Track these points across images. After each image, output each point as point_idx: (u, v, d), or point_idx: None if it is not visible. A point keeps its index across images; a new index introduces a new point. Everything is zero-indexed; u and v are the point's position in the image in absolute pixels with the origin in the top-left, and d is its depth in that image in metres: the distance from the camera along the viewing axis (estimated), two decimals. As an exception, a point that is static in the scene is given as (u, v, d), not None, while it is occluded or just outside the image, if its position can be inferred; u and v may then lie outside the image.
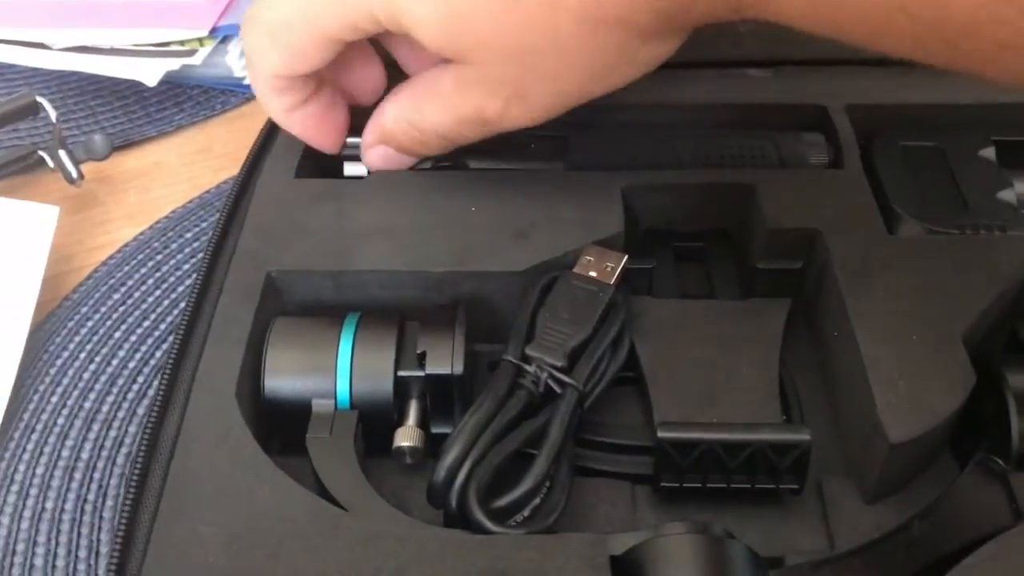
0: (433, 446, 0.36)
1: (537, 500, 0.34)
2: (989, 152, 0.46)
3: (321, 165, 0.46)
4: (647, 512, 0.37)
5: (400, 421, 0.37)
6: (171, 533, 0.32)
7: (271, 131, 0.47)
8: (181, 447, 0.34)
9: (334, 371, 0.37)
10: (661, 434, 0.35)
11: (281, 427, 0.37)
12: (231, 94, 0.61)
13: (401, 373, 0.37)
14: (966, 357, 0.36)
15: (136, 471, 0.33)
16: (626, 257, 0.40)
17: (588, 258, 0.40)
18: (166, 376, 0.36)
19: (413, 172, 0.44)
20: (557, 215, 0.42)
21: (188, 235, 0.52)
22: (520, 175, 0.44)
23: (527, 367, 0.36)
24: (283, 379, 0.37)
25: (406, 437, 0.36)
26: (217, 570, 0.31)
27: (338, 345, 0.37)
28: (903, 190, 0.44)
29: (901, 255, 0.40)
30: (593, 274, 0.39)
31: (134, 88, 0.60)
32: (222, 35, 0.60)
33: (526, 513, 0.34)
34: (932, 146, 0.46)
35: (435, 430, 0.38)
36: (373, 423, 0.37)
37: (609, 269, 0.39)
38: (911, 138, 0.47)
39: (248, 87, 0.61)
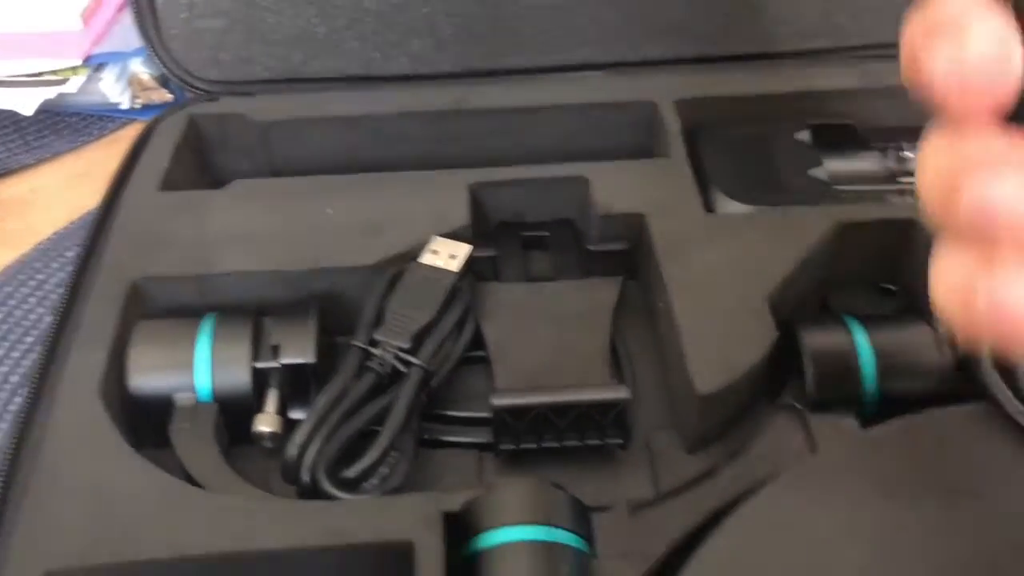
0: (292, 431, 0.39)
1: (385, 470, 0.37)
2: (804, 135, 0.51)
3: (185, 174, 0.49)
4: (491, 477, 0.40)
5: (260, 409, 0.40)
6: (36, 522, 0.34)
7: (138, 148, 0.50)
8: (48, 442, 0.36)
9: (193, 366, 0.39)
10: (496, 402, 0.38)
11: (149, 423, 0.40)
12: (108, 120, 0.63)
13: (258, 365, 0.40)
14: (769, 317, 0.40)
15: (4, 466, 0.35)
16: (470, 247, 0.43)
17: (434, 249, 0.43)
18: (34, 378, 0.39)
19: (271, 180, 0.47)
20: (407, 212, 0.45)
21: (69, 254, 0.54)
22: (371, 178, 0.47)
23: (374, 350, 0.39)
24: (146, 377, 0.39)
25: (265, 423, 0.39)
26: (78, 554, 0.33)
27: (196, 342, 0.40)
28: (723, 174, 0.48)
29: (716, 231, 0.44)
30: (439, 263, 0.43)
31: (11, 118, 0.61)
32: (96, 63, 0.62)
33: (375, 482, 0.37)
34: (753, 133, 0.51)
35: (294, 416, 0.40)
36: (235, 414, 0.40)
37: (453, 258, 0.43)
38: (735, 127, 0.51)
39: (124, 112, 0.63)
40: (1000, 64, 0.17)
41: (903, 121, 0.53)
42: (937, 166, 0.18)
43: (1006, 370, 0.37)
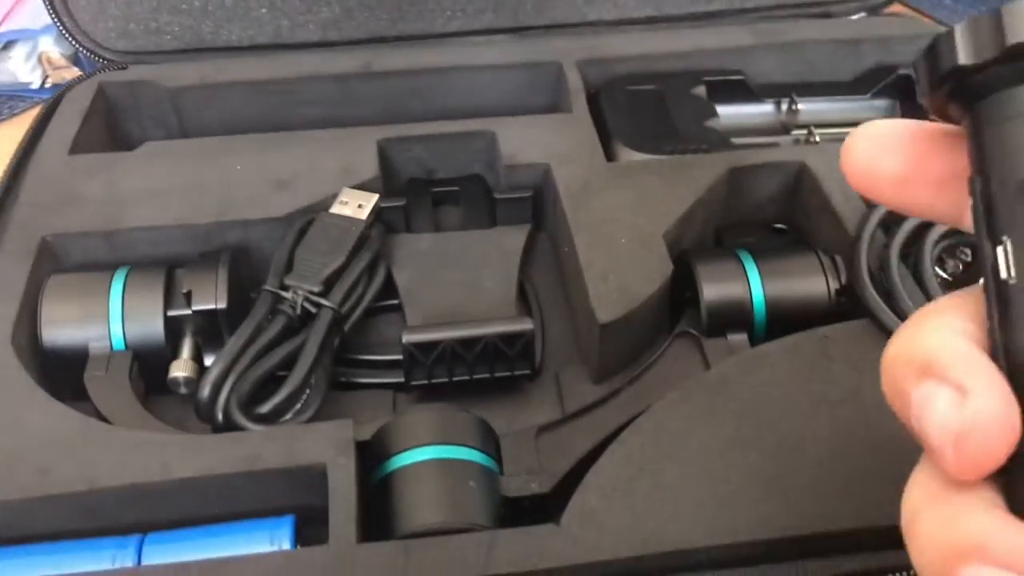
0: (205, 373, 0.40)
1: (298, 405, 0.38)
2: (700, 90, 0.53)
3: (95, 140, 0.49)
4: (405, 412, 0.41)
5: (175, 357, 0.41)
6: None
7: (47, 115, 0.50)
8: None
9: (107, 316, 0.40)
10: (405, 339, 0.40)
11: (65, 377, 0.40)
12: (18, 99, 0.63)
13: (170, 313, 0.40)
14: (664, 252, 0.42)
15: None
16: (378, 196, 0.45)
17: (343, 199, 0.44)
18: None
19: (182, 141, 0.48)
20: (317, 167, 0.46)
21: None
22: (281, 136, 0.48)
23: (285, 294, 0.40)
24: (59, 329, 0.40)
25: (179, 368, 0.40)
26: (-6, 491, 0.33)
27: (109, 292, 0.40)
28: (623, 127, 0.50)
29: (616, 177, 0.46)
30: (347, 212, 0.44)
31: (-82, 98, 0.61)
32: (4, 41, 0.62)
33: (288, 418, 0.38)
34: (652, 89, 0.53)
35: (209, 363, 0.41)
36: (151, 362, 0.40)
37: (362, 207, 0.44)
38: (635, 84, 0.53)
39: (35, 91, 0.63)
40: (1000, 428, 0.17)
41: (792, 76, 0.56)
42: (931, 535, 0.18)
43: (885, 290, 0.40)
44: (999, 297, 0.19)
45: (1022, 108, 0.19)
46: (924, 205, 0.21)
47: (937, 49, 0.19)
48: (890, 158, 0.21)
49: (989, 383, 0.17)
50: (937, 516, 0.18)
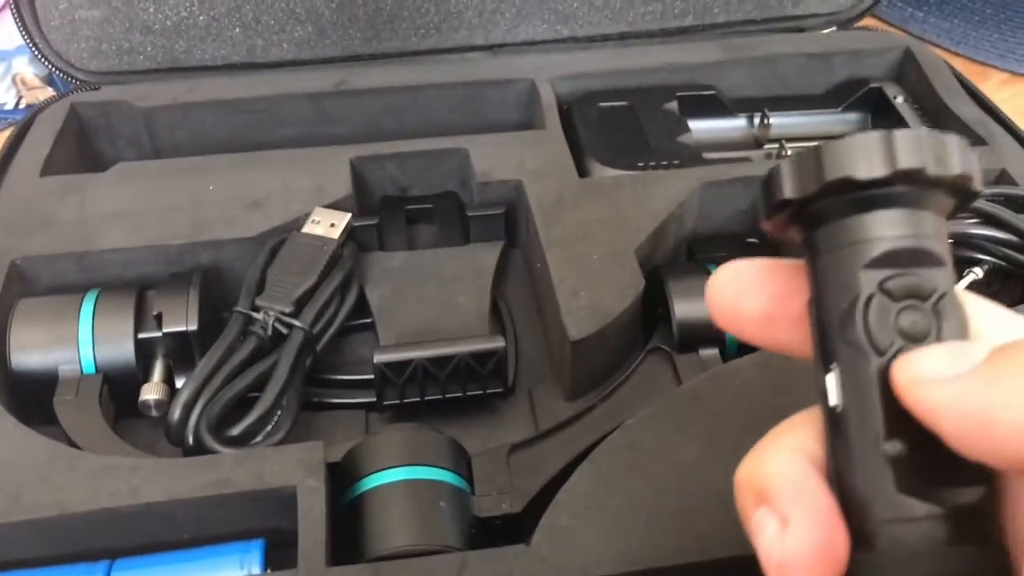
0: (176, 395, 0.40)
1: (268, 427, 0.38)
2: (672, 105, 0.53)
3: (68, 161, 0.49)
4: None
5: (146, 379, 0.40)
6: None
7: (18, 137, 0.50)
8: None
9: (76, 339, 0.40)
10: (377, 358, 0.40)
11: (35, 401, 0.40)
12: (-9, 119, 0.63)
13: (141, 335, 0.40)
14: (636, 268, 0.42)
15: None
16: (350, 215, 0.45)
17: (315, 219, 0.44)
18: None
19: (153, 161, 0.48)
20: (290, 185, 0.46)
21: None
22: (254, 156, 0.48)
23: (256, 315, 0.40)
24: (28, 353, 0.40)
25: (150, 391, 0.40)
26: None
27: (79, 315, 0.40)
28: (596, 143, 0.50)
29: (589, 193, 0.46)
30: (319, 232, 0.44)
31: None
32: (-25, 62, 0.62)
33: (259, 440, 0.38)
34: (624, 105, 0.53)
35: (180, 385, 0.41)
36: (122, 385, 0.40)
37: (334, 226, 0.44)
38: (608, 100, 0.54)
39: (9, 112, 0.63)
40: (818, 562, 0.18)
41: (764, 91, 0.56)
42: None
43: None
44: (830, 422, 0.19)
45: (845, 239, 0.19)
46: (784, 341, 0.21)
47: (769, 182, 0.20)
48: (753, 297, 0.21)
49: (810, 515, 0.18)
50: None
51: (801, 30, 0.59)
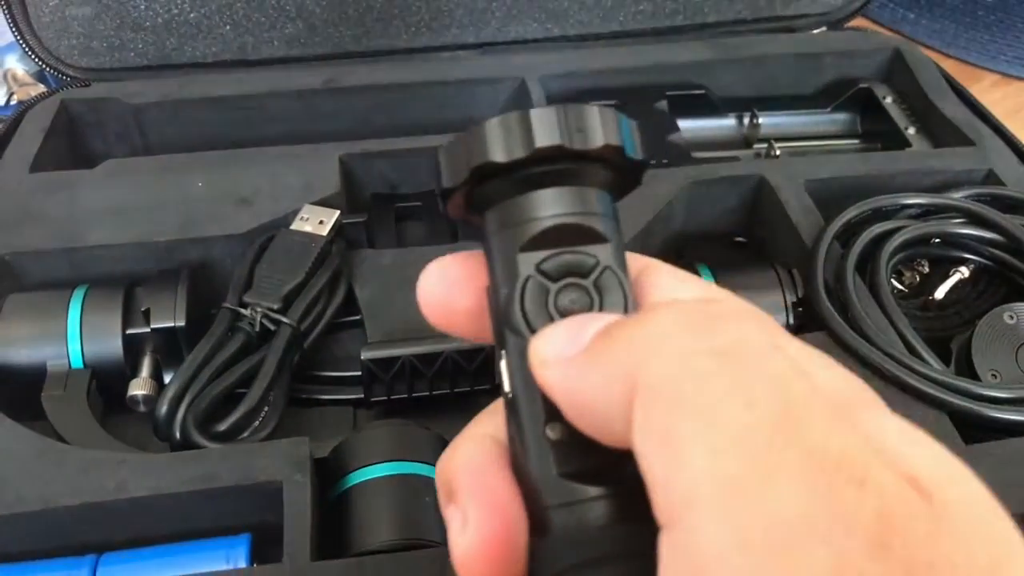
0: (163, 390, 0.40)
1: (256, 423, 0.38)
2: (662, 104, 0.54)
3: (57, 157, 0.49)
4: (365, 428, 0.41)
5: (134, 375, 0.40)
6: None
7: (7, 133, 0.50)
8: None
9: (65, 334, 0.40)
10: (364, 355, 0.40)
11: (23, 397, 0.40)
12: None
13: (129, 331, 0.40)
14: (625, 265, 0.42)
15: None
16: (339, 212, 0.45)
17: (304, 216, 0.44)
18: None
19: (143, 158, 0.48)
20: (279, 182, 0.46)
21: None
22: (244, 152, 0.48)
23: (244, 311, 0.40)
24: (17, 348, 0.40)
25: (138, 386, 0.40)
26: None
27: (67, 310, 0.40)
28: (586, 140, 0.50)
29: (577, 191, 0.46)
30: (308, 229, 0.44)
31: None
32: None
33: (246, 435, 0.38)
34: (614, 104, 0.53)
35: (168, 380, 0.41)
36: (110, 381, 0.40)
37: (323, 223, 0.44)
38: (598, 99, 0.54)
39: (1, 108, 0.63)
40: (493, 557, 0.18)
41: (754, 90, 0.56)
42: None
43: (841, 302, 0.41)
44: (506, 409, 0.19)
45: (505, 222, 0.19)
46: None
47: (435, 170, 0.20)
48: (463, 292, 0.20)
49: (485, 509, 0.18)
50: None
51: (791, 30, 0.60)
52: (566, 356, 0.17)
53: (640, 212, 0.45)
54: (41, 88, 0.63)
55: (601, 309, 0.18)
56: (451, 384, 0.41)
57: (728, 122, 0.55)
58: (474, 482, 0.18)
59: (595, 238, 0.19)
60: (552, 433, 0.18)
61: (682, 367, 0.16)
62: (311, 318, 0.41)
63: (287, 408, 0.39)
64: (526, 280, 0.19)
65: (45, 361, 0.40)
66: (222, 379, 0.38)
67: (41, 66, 0.55)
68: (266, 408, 0.38)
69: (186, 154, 0.48)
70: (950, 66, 0.60)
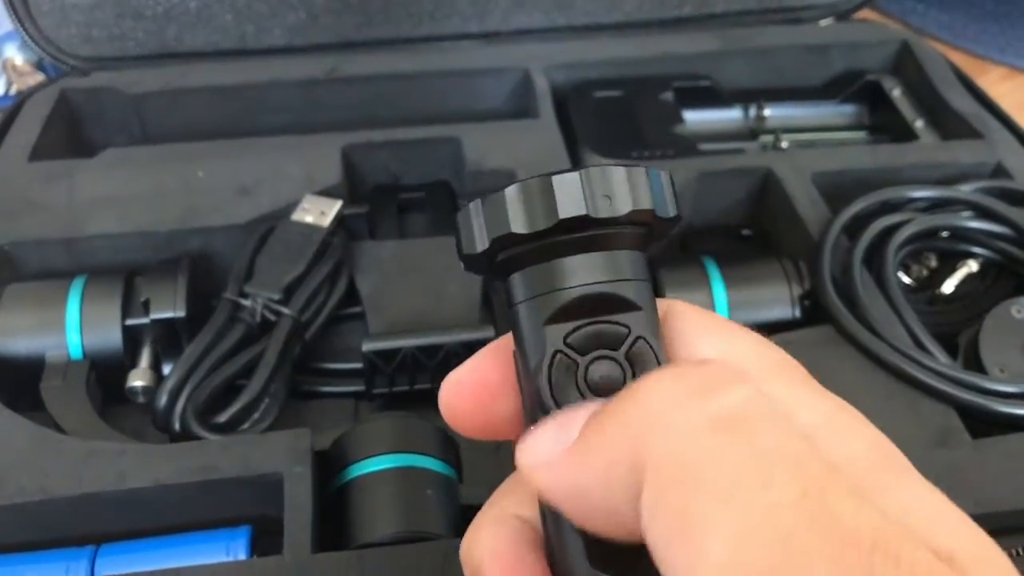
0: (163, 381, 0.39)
1: (256, 415, 0.38)
2: (668, 96, 0.53)
3: (57, 147, 0.48)
4: (367, 420, 0.41)
5: (134, 366, 0.40)
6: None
7: (6, 122, 0.49)
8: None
9: (64, 325, 0.39)
10: (365, 347, 0.39)
11: (22, 387, 0.40)
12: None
13: (129, 322, 0.40)
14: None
15: None
16: (340, 203, 0.44)
17: (305, 206, 0.44)
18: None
19: (143, 147, 0.47)
20: (279, 173, 0.46)
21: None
22: (245, 142, 0.48)
23: (244, 302, 0.40)
24: (15, 338, 0.39)
25: (137, 377, 0.39)
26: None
27: (67, 301, 0.40)
28: (591, 132, 0.50)
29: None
30: (309, 219, 0.43)
31: None
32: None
33: (246, 427, 0.37)
34: (620, 95, 0.53)
35: (168, 371, 0.41)
36: (110, 371, 0.40)
37: (324, 214, 0.44)
38: (603, 89, 0.53)
39: (1, 98, 0.62)
40: None
41: (761, 82, 0.56)
42: None
43: (848, 295, 0.40)
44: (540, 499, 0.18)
45: (529, 292, 0.18)
46: None
47: (456, 234, 0.19)
48: (494, 399, 0.20)
49: None
50: None
51: (799, 21, 0.59)
52: (555, 454, 0.16)
53: (645, 204, 0.44)
54: (40, 77, 0.63)
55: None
56: (453, 376, 0.40)
57: (735, 114, 0.54)
58: (504, 568, 0.18)
59: (626, 306, 0.18)
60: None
61: (690, 444, 0.15)
62: (312, 309, 0.41)
63: (288, 400, 0.39)
64: (554, 355, 0.18)
65: (44, 351, 0.39)
66: (222, 370, 0.38)
67: (41, 55, 0.54)
68: (266, 400, 0.38)
69: (186, 144, 0.48)
70: (958, 58, 0.59)
